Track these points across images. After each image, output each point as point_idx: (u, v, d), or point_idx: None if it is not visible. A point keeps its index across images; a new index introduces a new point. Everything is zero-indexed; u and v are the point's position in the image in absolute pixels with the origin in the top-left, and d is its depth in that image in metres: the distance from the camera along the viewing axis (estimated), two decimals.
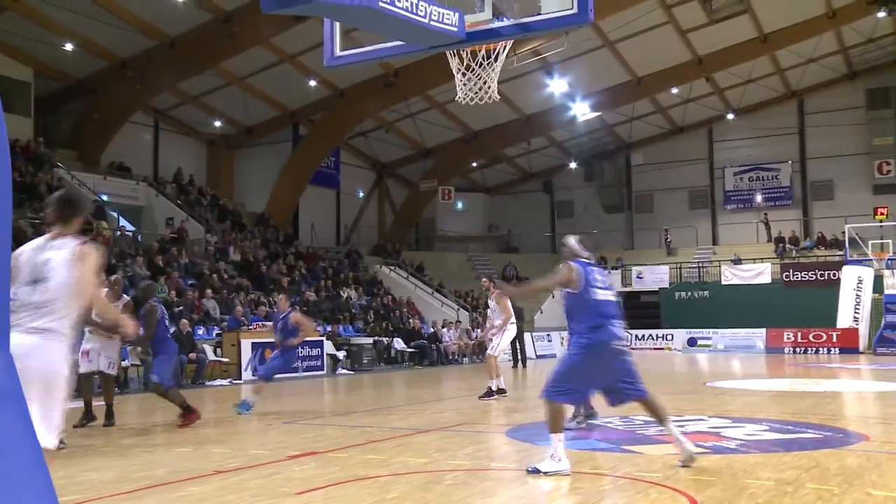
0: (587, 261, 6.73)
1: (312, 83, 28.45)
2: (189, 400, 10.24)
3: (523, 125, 34.27)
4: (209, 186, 30.92)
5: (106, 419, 10.07)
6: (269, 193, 31.41)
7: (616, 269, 34.50)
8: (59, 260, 4.27)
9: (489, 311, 13.48)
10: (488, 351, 13.14)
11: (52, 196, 4.70)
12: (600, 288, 6.53)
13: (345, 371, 21.57)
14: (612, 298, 6.63)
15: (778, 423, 9.54)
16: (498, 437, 8.70)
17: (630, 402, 6.52)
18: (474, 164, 38.83)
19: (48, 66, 25.73)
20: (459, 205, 39.96)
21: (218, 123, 30.68)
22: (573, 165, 39.72)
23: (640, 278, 33.51)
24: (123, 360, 14.77)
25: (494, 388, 12.69)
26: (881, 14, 28.01)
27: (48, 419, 3.92)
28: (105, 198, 25.02)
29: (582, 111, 33.12)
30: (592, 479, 6.53)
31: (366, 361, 22.80)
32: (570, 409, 7.36)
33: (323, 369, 21.04)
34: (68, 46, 24.26)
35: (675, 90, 33.79)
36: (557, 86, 31.00)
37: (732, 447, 7.76)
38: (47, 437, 3.86)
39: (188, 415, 9.89)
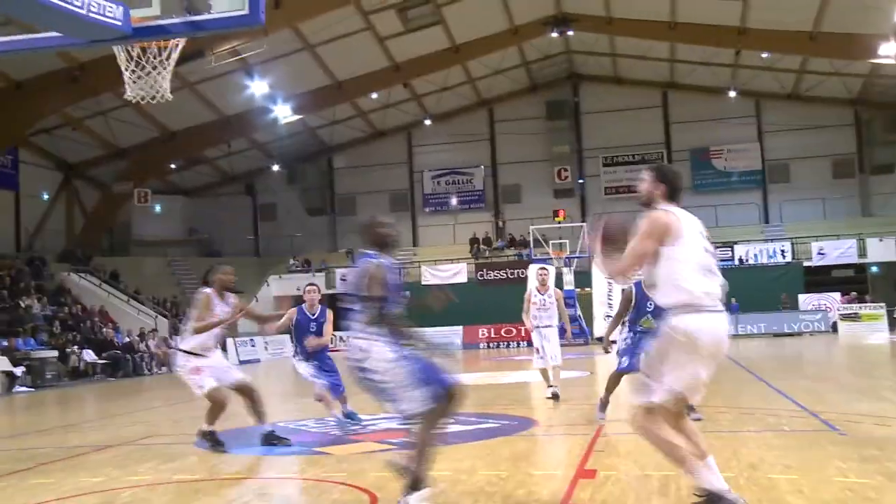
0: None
1: None
2: None
3: (223, 126, 33.37)
4: None
5: None
6: None
7: (320, 271, 34.73)
8: None
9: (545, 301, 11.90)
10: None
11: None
12: None
13: (24, 388, 19.73)
14: None
15: (463, 415, 10.03)
16: (186, 448, 8.36)
17: None
18: (172, 166, 37.17)
19: None
20: (157, 208, 38.09)
21: None
22: (276, 168, 39.47)
23: (345, 280, 33.95)
24: None
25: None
26: (554, 34, 30.84)
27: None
28: None
29: (284, 113, 32.87)
30: (279, 483, 6.50)
31: (49, 377, 21.04)
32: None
33: None
34: None
35: (374, 95, 34.66)
36: (258, 87, 30.50)
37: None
38: None
39: None
